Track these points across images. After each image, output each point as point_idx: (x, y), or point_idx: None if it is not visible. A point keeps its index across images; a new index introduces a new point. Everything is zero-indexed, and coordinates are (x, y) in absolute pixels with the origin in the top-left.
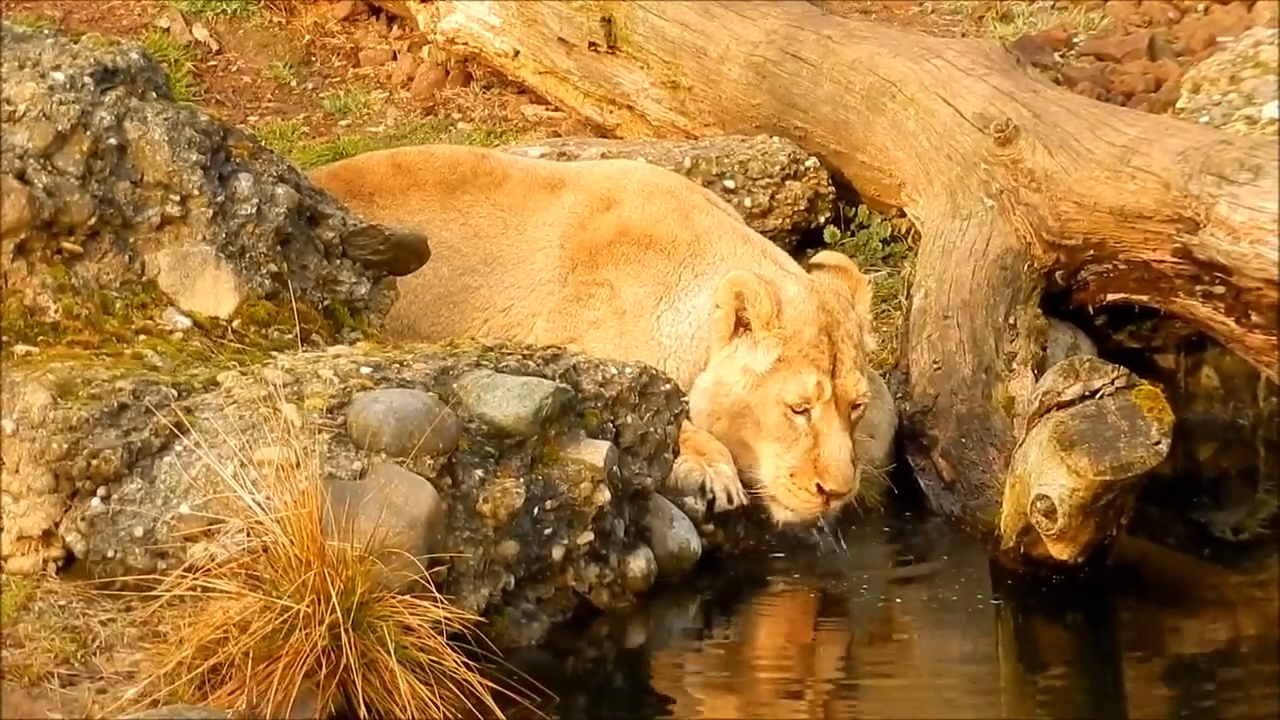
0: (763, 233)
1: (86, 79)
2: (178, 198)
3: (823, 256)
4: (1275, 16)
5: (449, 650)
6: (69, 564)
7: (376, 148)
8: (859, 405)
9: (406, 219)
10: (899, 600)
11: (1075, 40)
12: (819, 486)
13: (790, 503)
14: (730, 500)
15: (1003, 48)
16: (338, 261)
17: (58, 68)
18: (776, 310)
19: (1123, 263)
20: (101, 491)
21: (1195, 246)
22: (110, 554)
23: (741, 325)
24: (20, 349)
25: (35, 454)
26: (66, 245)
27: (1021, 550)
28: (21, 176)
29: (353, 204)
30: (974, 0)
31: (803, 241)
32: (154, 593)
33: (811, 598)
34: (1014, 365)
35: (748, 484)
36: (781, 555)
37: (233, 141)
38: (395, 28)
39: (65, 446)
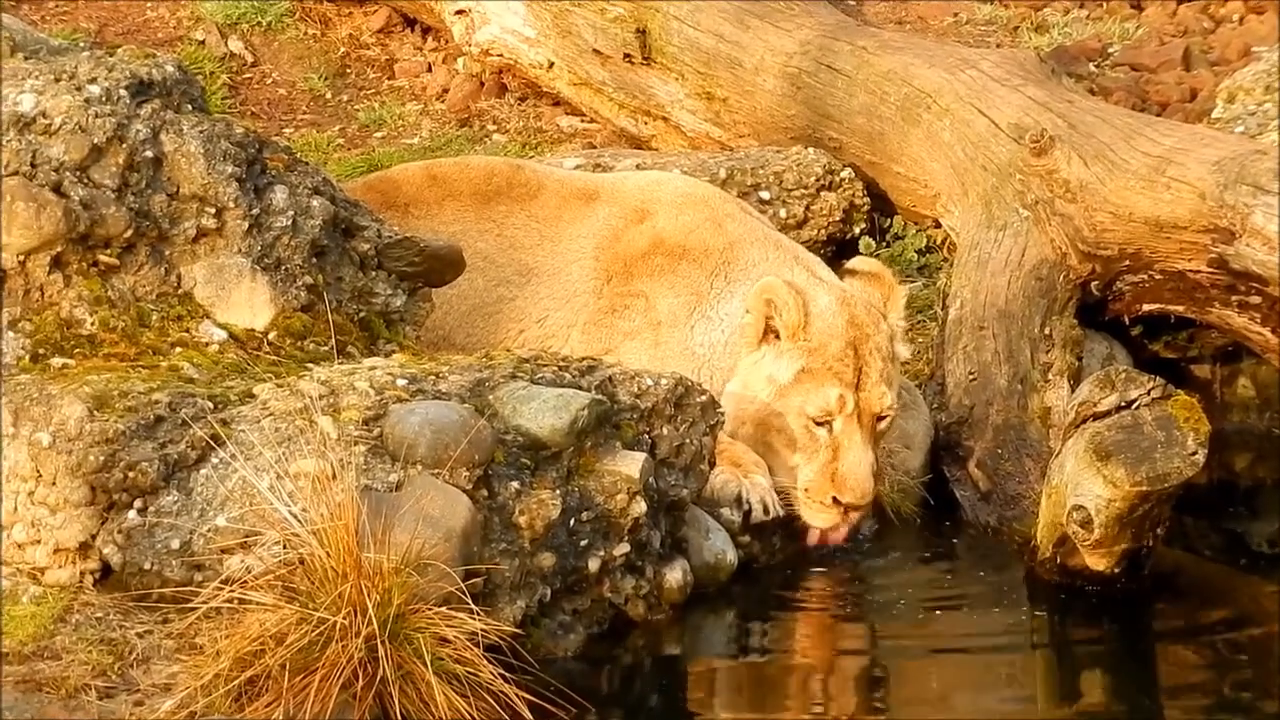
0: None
1: (122, 92)
2: (213, 210)
3: (856, 262)
4: None
5: (485, 661)
6: (106, 576)
7: (411, 159)
8: (884, 418)
9: (441, 230)
10: (937, 613)
11: (1110, 50)
12: (835, 499)
13: (806, 514)
14: (766, 511)
15: (1038, 58)
16: (373, 273)
17: (93, 80)
18: (804, 321)
19: (1158, 273)
20: (138, 504)
21: (1231, 256)
22: (147, 566)
23: (770, 332)
24: (57, 361)
25: (72, 466)
26: (102, 258)
27: (1058, 561)
28: (57, 189)
29: (388, 215)
30: (1009, 10)
31: (838, 252)
32: (190, 605)
33: (846, 610)
34: (1050, 376)
35: (778, 491)
36: (819, 567)
37: (268, 154)
38: (430, 40)
39: (102, 459)
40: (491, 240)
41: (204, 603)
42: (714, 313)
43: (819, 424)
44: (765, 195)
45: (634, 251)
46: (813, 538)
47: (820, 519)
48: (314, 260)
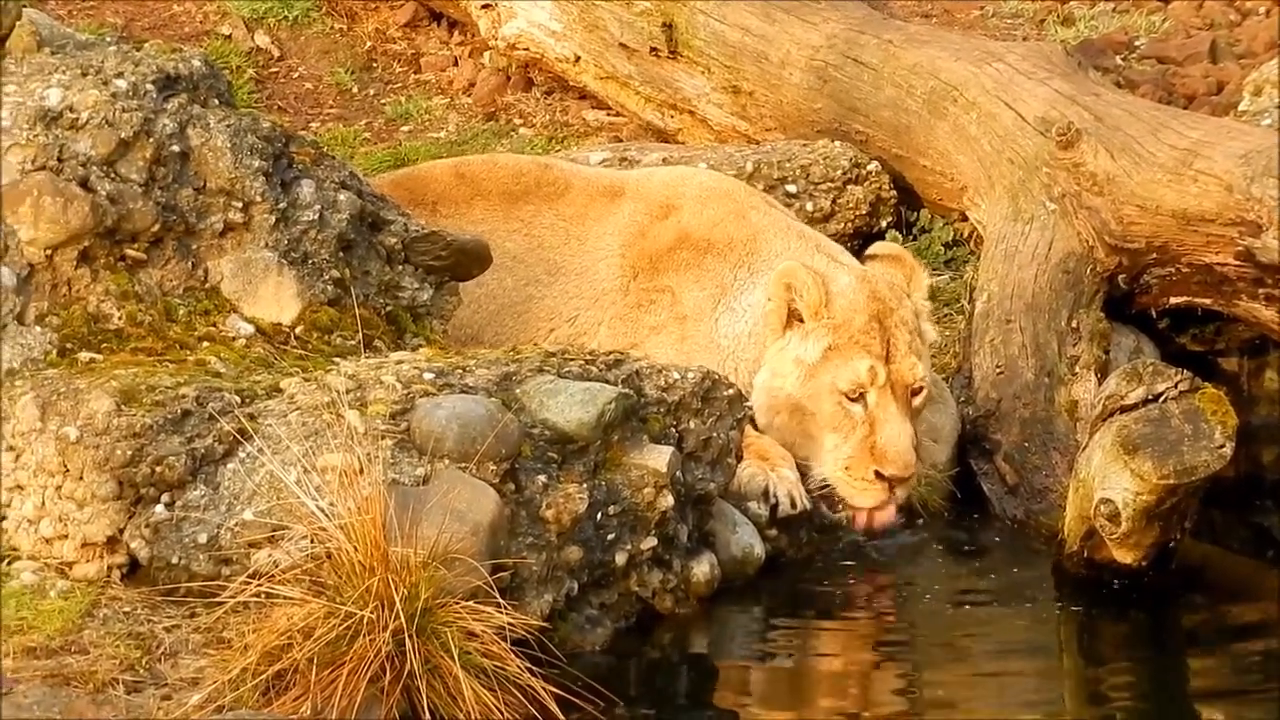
0: None
1: (149, 86)
2: (240, 204)
3: (877, 247)
4: None
5: (512, 655)
6: (133, 570)
7: (438, 153)
8: (919, 391)
9: (470, 229)
10: (965, 607)
11: (1137, 43)
12: (878, 473)
13: (849, 495)
14: (794, 505)
15: (1064, 51)
16: (400, 267)
17: (120, 75)
18: (825, 299)
19: (1185, 266)
20: (165, 498)
21: (1258, 249)
22: (174, 560)
23: (794, 317)
24: (84, 356)
25: (99, 461)
26: (130, 252)
27: (1085, 554)
28: (85, 184)
29: (416, 213)
30: (1035, 4)
31: (864, 246)
32: (218, 599)
33: (872, 604)
34: (1077, 369)
35: (814, 481)
36: (848, 561)
37: (295, 148)
38: (456, 34)
39: (129, 453)
40: (520, 240)
41: (231, 597)
42: (738, 304)
43: (852, 400)
44: (792, 189)
45: (659, 247)
46: (860, 522)
47: (865, 498)
48: (341, 254)
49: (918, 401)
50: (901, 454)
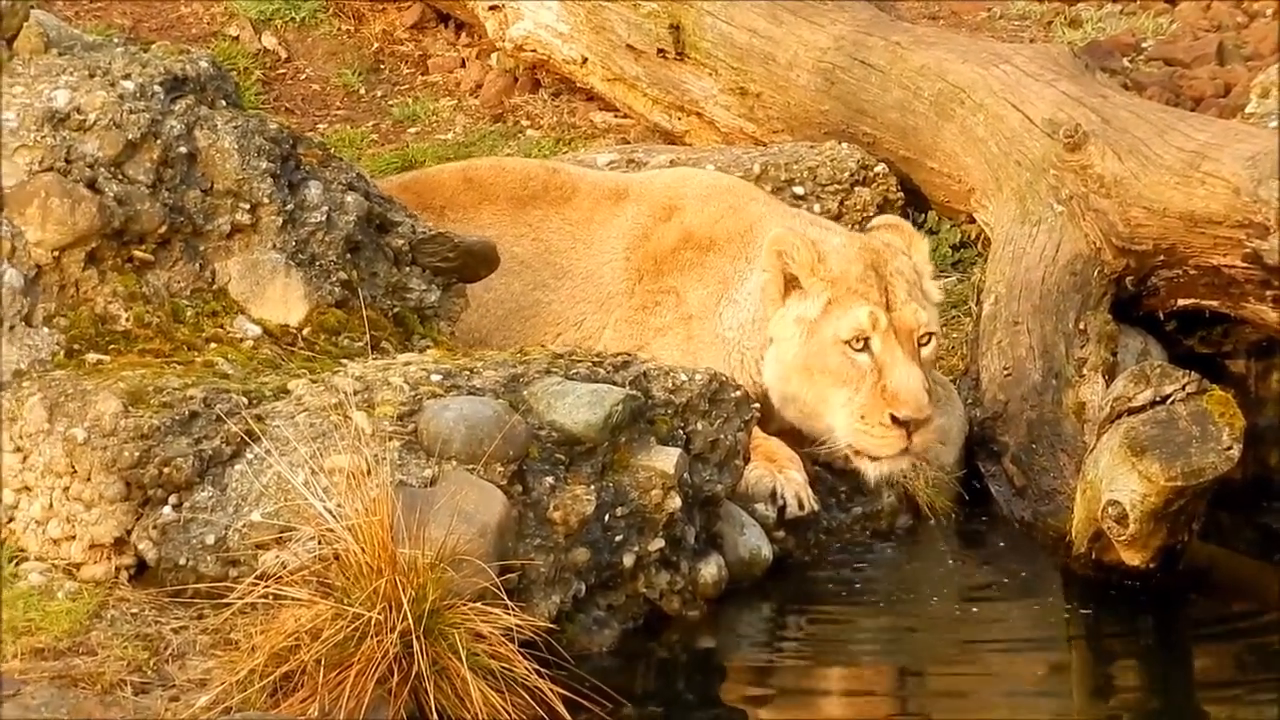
0: None
1: (156, 88)
2: (248, 206)
3: (875, 220)
4: None
5: (520, 657)
6: (141, 572)
7: (446, 155)
8: (925, 336)
9: (478, 234)
10: (973, 609)
11: (1144, 45)
12: (893, 418)
13: (869, 446)
14: (801, 506)
15: (1071, 53)
16: (407, 269)
17: (128, 76)
18: (818, 257)
19: (1193, 268)
20: (173, 499)
21: (1265, 251)
22: (182, 562)
23: (791, 285)
24: (91, 357)
25: (107, 462)
26: (137, 253)
27: (1093, 556)
28: (92, 185)
29: (424, 217)
30: (1042, 5)
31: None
32: (226, 600)
33: (880, 605)
34: (1084, 371)
35: (835, 445)
36: (857, 562)
37: (302, 149)
38: (464, 35)
39: (137, 454)
40: (528, 244)
41: (239, 598)
42: (739, 294)
43: (858, 350)
44: (799, 190)
45: (663, 248)
46: (875, 471)
47: (883, 445)
48: (348, 256)
49: (926, 351)
50: (914, 394)
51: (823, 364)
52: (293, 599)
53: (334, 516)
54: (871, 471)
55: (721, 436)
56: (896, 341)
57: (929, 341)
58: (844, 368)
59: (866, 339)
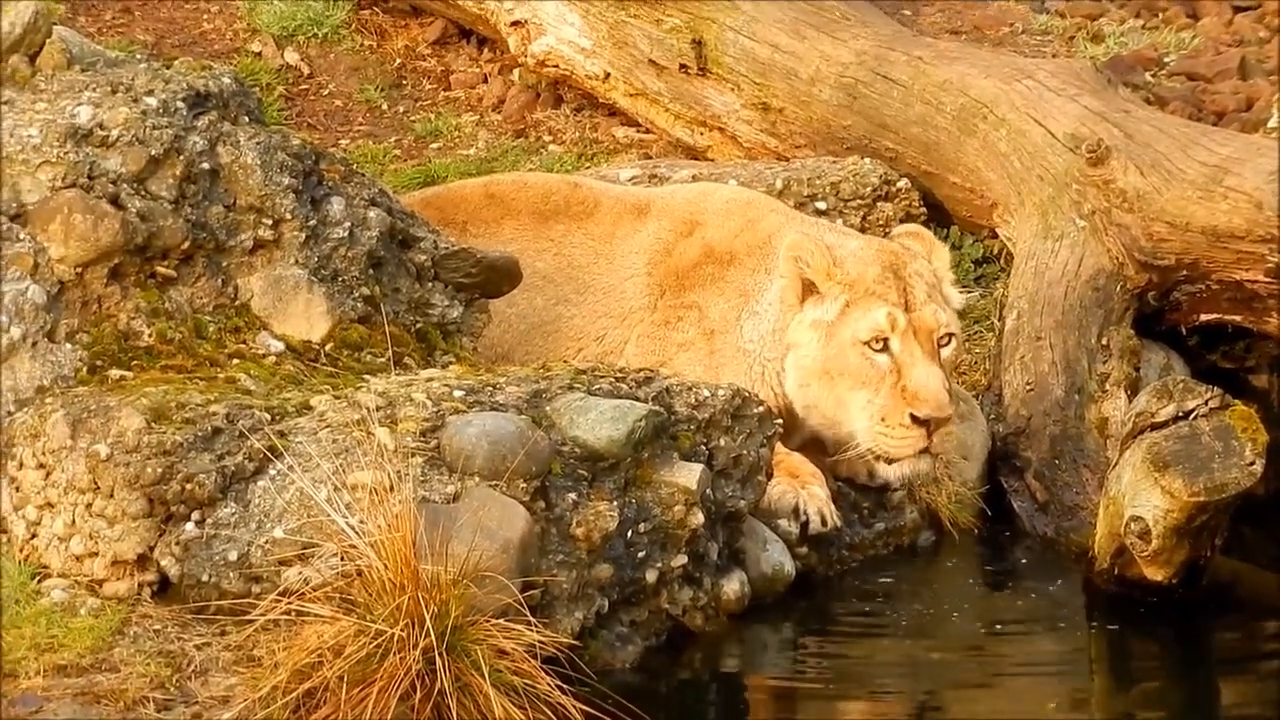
0: None
1: (179, 104)
2: (270, 221)
3: (897, 229)
4: None
5: (543, 673)
6: (163, 588)
7: (468, 171)
8: (946, 337)
9: (500, 248)
10: (997, 627)
11: (1166, 60)
12: (913, 417)
13: (889, 448)
14: (824, 522)
15: (1094, 68)
16: (430, 284)
17: (151, 93)
18: (834, 261)
19: (1215, 283)
20: (196, 515)
21: None
22: (204, 578)
23: (809, 290)
24: (114, 373)
25: (130, 478)
26: (160, 269)
27: (1116, 571)
28: (115, 201)
29: (446, 232)
30: (1065, 20)
31: None
32: (248, 617)
33: (903, 622)
34: (1107, 386)
35: (856, 449)
36: (880, 578)
37: (325, 165)
38: (486, 51)
39: (160, 471)
40: (550, 259)
41: (262, 615)
42: (759, 306)
43: (877, 351)
44: (821, 205)
45: (685, 263)
46: (896, 472)
47: (904, 446)
48: (371, 271)
49: (946, 352)
50: (934, 392)
51: (842, 366)
52: (315, 615)
53: (356, 533)
54: (893, 473)
55: (744, 452)
56: (916, 341)
57: (949, 342)
58: (863, 369)
59: (885, 339)
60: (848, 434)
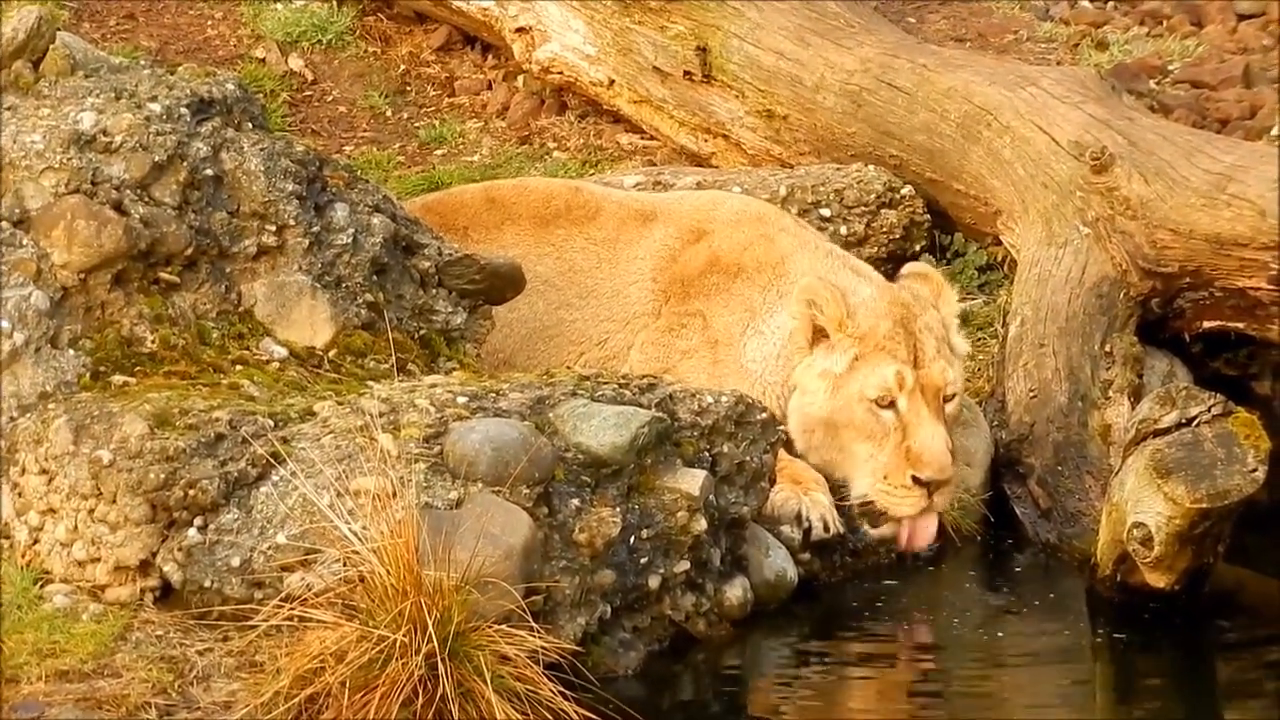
0: None
1: (183, 110)
2: (274, 228)
3: (906, 268)
4: None
5: (545, 679)
6: (166, 594)
7: (472, 177)
8: (950, 396)
9: (501, 253)
10: (999, 634)
11: (1170, 68)
12: (915, 478)
13: (890, 506)
14: (827, 529)
15: (1098, 75)
16: (433, 291)
17: (154, 99)
18: (847, 311)
19: (1219, 290)
20: (198, 521)
21: None
22: (207, 584)
23: (819, 334)
24: (117, 379)
25: (132, 484)
26: (163, 275)
27: (1118, 578)
28: (118, 207)
29: (447, 237)
30: (1069, 28)
31: (898, 270)
32: (251, 622)
33: (906, 628)
34: (1110, 393)
35: (854, 498)
36: (888, 580)
37: (328, 171)
38: (490, 57)
39: (162, 476)
40: (551, 263)
41: (264, 620)
42: (765, 327)
43: (883, 407)
44: (826, 212)
45: (691, 271)
46: (902, 539)
47: (905, 506)
48: (374, 278)
49: (950, 408)
50: (937, 455)
51: (848, 419)
52: (318, 621)
53: (359, 539)
54: (888, 532)
55: (747, 459)
56: (922, 400)
57: (954, 398)
58: (869, 425)
59: (893, 398)
60: (848, 480)
